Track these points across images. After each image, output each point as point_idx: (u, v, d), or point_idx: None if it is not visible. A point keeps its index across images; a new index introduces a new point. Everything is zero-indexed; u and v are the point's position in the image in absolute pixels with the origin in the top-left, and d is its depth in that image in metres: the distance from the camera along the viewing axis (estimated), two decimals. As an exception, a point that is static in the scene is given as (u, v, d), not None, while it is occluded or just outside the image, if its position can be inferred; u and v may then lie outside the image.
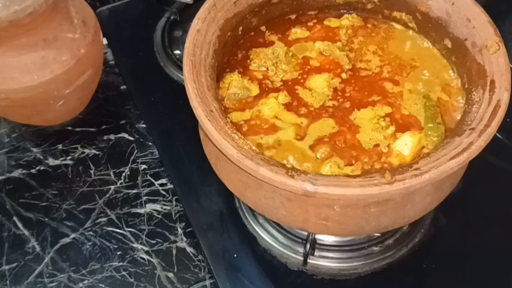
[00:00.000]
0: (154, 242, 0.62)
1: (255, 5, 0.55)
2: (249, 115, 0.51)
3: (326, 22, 0.59)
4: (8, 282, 0.59)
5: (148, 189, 0.66)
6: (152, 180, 0.67)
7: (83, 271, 0.60)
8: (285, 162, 0.47)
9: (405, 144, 0.48)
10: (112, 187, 0.66)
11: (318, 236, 0.57)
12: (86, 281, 0.59)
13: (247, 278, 0.57)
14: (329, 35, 0.58)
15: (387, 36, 0.58)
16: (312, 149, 0.48)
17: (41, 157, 0.69)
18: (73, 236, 0.62)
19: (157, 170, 0.68)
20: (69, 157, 0.69)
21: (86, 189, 0.66)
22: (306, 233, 0.56)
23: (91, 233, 0.63)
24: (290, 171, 0.41)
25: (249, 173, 0.42)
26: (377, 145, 0.49)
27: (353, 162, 0.47)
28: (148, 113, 0.73)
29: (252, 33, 0.58)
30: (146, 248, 0.61)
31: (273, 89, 0.53)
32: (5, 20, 0.55)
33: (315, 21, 0.59)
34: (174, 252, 0.61)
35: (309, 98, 0.52)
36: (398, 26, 0.58)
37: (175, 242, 0.62)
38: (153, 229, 0.63)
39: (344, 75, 0.54)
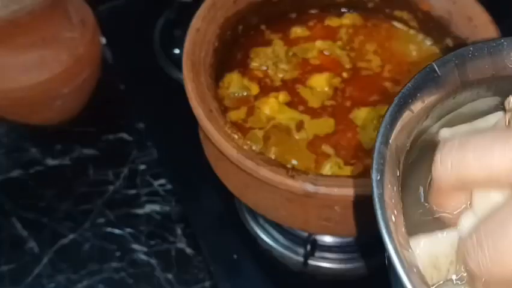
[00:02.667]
0: (153, 242, 0.61)
1: (255, 3, 0.55)
2: (244, 112, 0.51)
3: (326, 21, 0.59)
4: (7, 283, 0.59)
5: (147, 189, 0.66)
6: (152, 180, 0.67)
7: (82, 272, 0.59)
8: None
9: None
10: (111, 187, 0.66)
11: (318, 237, 0.57)
12: (85, 282, 0.59)
13: (247, 279, 0.57)
14: (330, 34, 0.57)
15: (388, 36, 0.58)
16: (310, 146, 0.48)
17: (40, 157, 0.69)
18: (71, 236, 0.62)
19: (156, 170, 0.68)
20: (68, 157, 0.69)
21: (85, 190, 0.66)
22: (306, 234, 0.56)
23: (89, 233, 0.62)
24: (290, 171, 0.41)
25: (249, 173, 0.42)
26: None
27: (353, 161, 0.47)
28: (147, 113, 0.73)
29: (252, 32, 0.57)
30: (145, 249, 0.61)
31: (273, 88, 0.53)
32: (4, 20, 0.55)
33: (315, 20, 0.59)
34: (173, 253, 0.61)
35: (309, 96, 0.52)
36: (399, 25, 0.58)
37: (175, 242, 0.61)
38: (152, 230, 0.62)
39: (344, 75, 0.54)
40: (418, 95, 0.30)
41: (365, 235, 0.46)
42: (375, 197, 0.26)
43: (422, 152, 0.32)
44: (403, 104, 0.30)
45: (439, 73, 0.31)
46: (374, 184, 0.26)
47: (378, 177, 0.26)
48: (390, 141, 0.28)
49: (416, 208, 0.31)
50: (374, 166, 0.27)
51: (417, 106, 0.30)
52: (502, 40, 0.32)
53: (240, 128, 0.50)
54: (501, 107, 0.32)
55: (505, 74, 0.32)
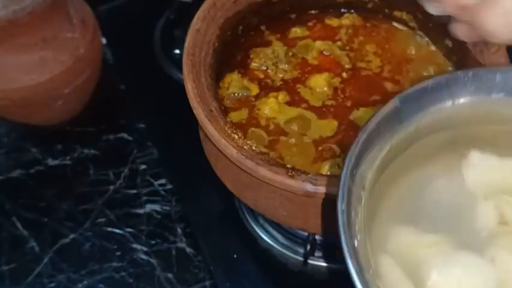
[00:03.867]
0: (154, 242, 0.61)
1: (254, 4, 0.55)
2: (246, 113, 0.51)
3: (326, 22, 0.59)
4: (7, 282, 0.59)
5: (148, 189, 0.66)
6: (152, 180, 0.67)
7: (83, 271, 0.60)
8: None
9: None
10: (111, 187, 0.66)
11: (318, 236, 0.57)
12: (85, 282, 0.59)
13: (247, 279, 0.57)
14: (330, 35, 0.58)
15: (388, 36, 0.58)
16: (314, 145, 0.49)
17: (40, 157, 0.69)
18: (72, 236, 0.62)
19: (156, 170, 0.68)
20: (68, 157, 0.69)
21: (86, 190, 0.66)
22: (306, 234, 0.56)
23: (90, 233, 0.62)
24: (290, 171, 0.41)
25: (249, 173, 0.42)
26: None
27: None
28: (148, 113, 0.73)
29: (252, 33, 0.58)
30: (145, 249, 0.61)
31: (273, 88, 0.53)
32: (4, 20, 0.55)
33: (315, 21, 0.59)
34: (174, 252, 0.61)
35: (309, 96, 0.52)
36: (398, 26, 0.58)
37: (175, 242, 0.61)
38: (153, 229, 0.62)
39: (344, 75, 0.54)
40: (381, 128, 0.33)
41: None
42: (340, 224, 0.28)
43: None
44: (367, 138, 0.32)
45: (400, 107, 0.33)
46: (339, 213, 0.28)
47: (343, 207, 0.29)
48: (354, 172, 0.30)
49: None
50: (340, 196, 0.29)
51: (380, 139, 0.33)
52: (458, 72, 0.35)
53: (242, 128, 0.50)
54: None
55: (462, 102, 0.35)
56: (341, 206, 0.29)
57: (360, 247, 0.28)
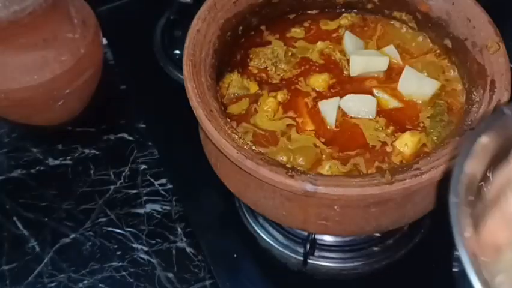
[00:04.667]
0: (154, 242, 0.62)
1: (255, 4, 0.55)
2: (246, 103, 0.51)
3: (325, 22, 0.59)
4: (7, 282, 0.59)
5: (148, 189, 0.66)
6: (152, 180, 0.67)
7: (83, 271, 0.60)
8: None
9: (405, 144, 0.48)
10: (112, 187, 0.66)
11: (318, 236, 0.57)
12: (86, 281, 0.59)
13: (247, 278, 0.57)
14: (329, 35, 0.58)
15: (387, 36, 0.58)
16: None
17: (41, 157, 0.69)
18: (72, 236, 0.62)
19: (156, 170, 0.68)
20: (69, 157, 0.69)
21: (86, 189, 0.66)
22: (306, 233, 0.56)
23: (90, 233, 0.63)
24: (290, 171, 0.41)
25: (249, 173, 0.42)
26: (379, 144, 0.49)
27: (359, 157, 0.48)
28: (148, 113, 0.73)
29: (252, 33, 0.58)
30: (146, 248, 0.61)
31: (272, 88, 0.53)
32: (5, 20, 0.55)
33: (314, 21, 0.59)
34: (174, 252, 0.61)
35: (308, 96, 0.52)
36: (398, 26, 0.58)
37: (175, 242, 0.62)
38: (153, 229, 0.63)
39: (344, 75, 0.54)
40: (491, 131, 0.35)
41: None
42: (452, 215, 0.31)
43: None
44: (475, 139, 0.35)
45: (507, 114, 0.36)
46: (452, 205, 0.32)
47: (455, 200, 0.32)
48: (465, 170, 0.33)
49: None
50: (452, 190, 0.32)
51: (490, 141, 0.35)
52: None
53: (242, 120, 0.50)
54: None
55: None
56: (453, 199, 0.32)
57: (470, 238, 0.31)
